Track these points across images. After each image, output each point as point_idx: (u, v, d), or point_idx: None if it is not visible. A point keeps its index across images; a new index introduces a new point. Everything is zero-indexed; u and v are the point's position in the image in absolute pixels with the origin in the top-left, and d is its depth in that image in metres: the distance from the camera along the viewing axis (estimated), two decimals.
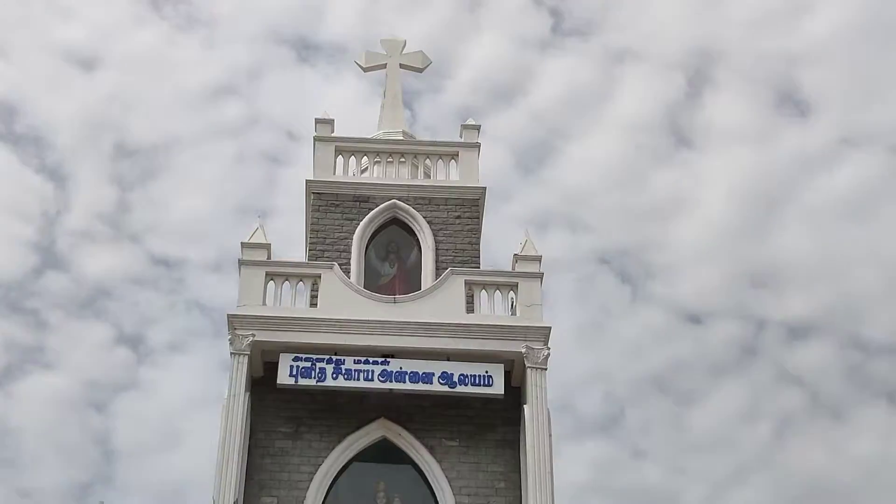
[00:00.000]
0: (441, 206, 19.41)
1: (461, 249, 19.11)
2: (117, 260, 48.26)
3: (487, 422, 17.06)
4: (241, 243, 17.46)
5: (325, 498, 16.31)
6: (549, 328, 16.81)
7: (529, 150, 49.24)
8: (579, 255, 46.77)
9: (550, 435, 16.26)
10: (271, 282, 17.16)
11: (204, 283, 50.29)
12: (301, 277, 17.38)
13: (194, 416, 44.71)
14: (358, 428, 16.96)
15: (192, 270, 53.51)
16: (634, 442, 45.36)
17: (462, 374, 16.58)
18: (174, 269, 51.70)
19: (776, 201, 48.77)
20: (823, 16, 48.54)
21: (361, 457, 16.87)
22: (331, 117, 19.81)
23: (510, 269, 17.74)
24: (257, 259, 17.30)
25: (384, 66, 21.60)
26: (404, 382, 16.52)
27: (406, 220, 19.45)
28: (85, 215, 48.27)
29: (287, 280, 17.29)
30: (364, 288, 17.90)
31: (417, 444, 16.81)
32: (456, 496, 16.30)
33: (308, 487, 16.31)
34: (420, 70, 21.92)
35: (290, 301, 17.19)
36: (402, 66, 21.58)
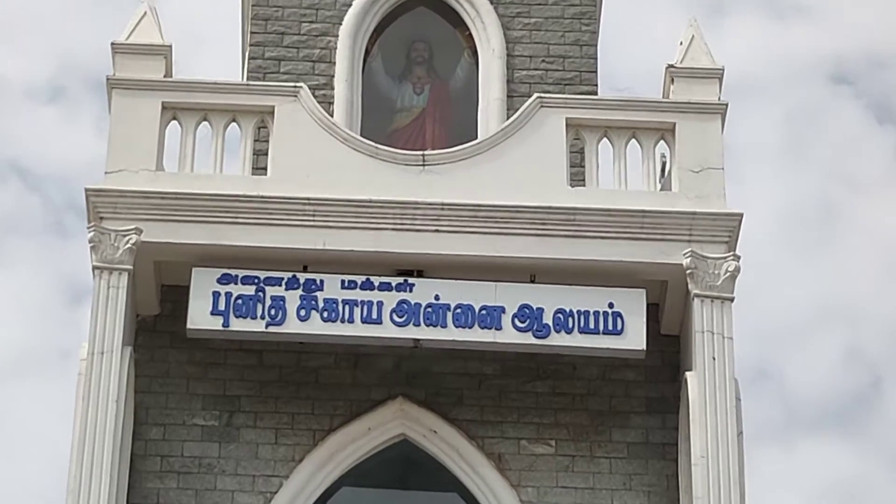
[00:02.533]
0: None
1: (559, 57, 16.72)
2: None
3: (613, 407, 14.56)
4: (113, 45, 14.88)
5: None
6: (741, 217, 14.22)
7: None
8: (791, 69, 42.07)
9: (741, 432, 13.63)
10: (174, 122, 14.67)
11: (29, 124, 45.35)
12: (235, 114, 14.82)
13: (10, 393, 40.69)
14: (353, 419, 14.35)
15: (6, 100, 47.55)
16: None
17: (562, 311, 13.85)
18: None
19: None
20: None
21: (360, 476, 14.32)
22: None
23: (661, 97, 15.13)
24: (145, 77, 14.70)
25: None
26: (444, 326, 13.82)
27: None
28: None
29: (206, 119, 14.75)
30: (362, 135, 15.27)
31: (470, 449, 14.15)
32: None
33: None
34: None
35: (212, 163, 14.66)
36: None
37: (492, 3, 16.72)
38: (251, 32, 17.10)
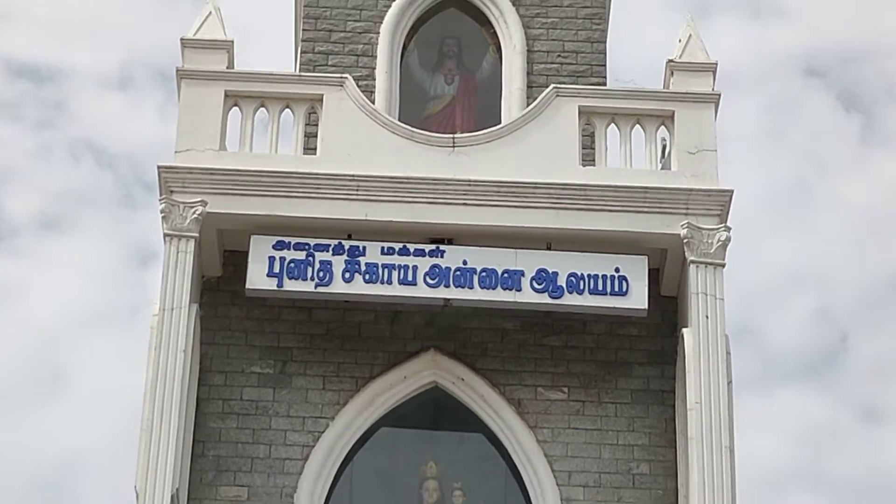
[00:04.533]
0: None
1: (573, 52, 17.59)
2: None
3: (618, 359, 15.46)
4: (182, 41, 15.69)
5: (333, 488, 14.84)
6: (731, 193, 15.05)
7: None
8: (770, 64, 43.81)
9: (730, 381, 14.43)
10: (235, 108, 15.47)
11: (100, 109, 45.97)
12: (288, 101, 15.63)
13: (87, 344, 41.46)
14: (390, 368, 15.23)
15: (80, 88, 48.09)
16: (866, 393, 42.77)
17: (573, 275, 14.69)
18: (46, 85, 46.94)
19: None
20: None
21: (396, 418, 15.33)
22: None
23: (662, 88, 15.94)
24: (211, 69, 15.52)
25: None
26: (471, 288, 14.68)
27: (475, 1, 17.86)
28: None
29: (263, 106, 15.58)
30: (400, 120, 16.12)
31: (493, 395, 15.11)
32: (562, 487, 14.62)
33: (302, 471, 14.66)
34: None
35: (268, 143, 15.49)
36: None
37: (513, 4, 17.35)
38: (303, 30, 17.65)
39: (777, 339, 42.18)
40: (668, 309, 15.12)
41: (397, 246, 14.49)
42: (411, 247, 14.44)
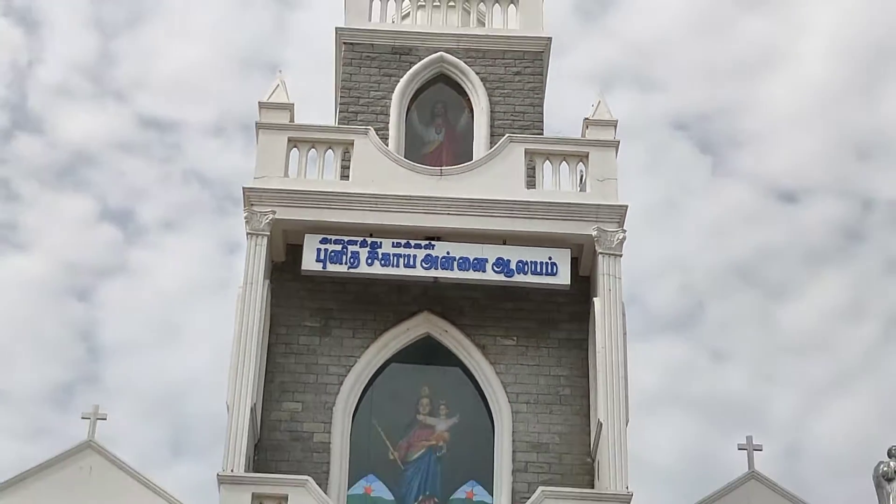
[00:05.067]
0: (497, 61, 18.36)
1: (521, 112, 18.01)
2: (100, 121, 44.64)
3: (550, 317, 16.06)
4: (259, 103, 16.33)
5: (359, 403, 15.36)
6: (626, 207, 15.66)
7: None
8: (651, 120, 43.74)
9: (625, 333, 15.11)
10: (294, 149, 16.07)
11: (204, 149, 46.26)
12: (330, 144, 16.27)
13: (195, 306, 42.05)
14: (397, 323, 15.90)
15: (190, 134, 48.76)
16: (715, 342, 43.13)
17: (521, 261, 15.42)
18: (168, 132, 47.14)
19: (889, 55, 46.15)
20: None
21: (401, 357, 15.86)
22: None
23: (579, 136, 16.62)
24: (278, 122, 16.20)
25: None
26: (452, 270, 15.41)
27: (455, 77, 18.25)
28: (61, 67, 44.88)
29: (313, 147, 16.24)
30: (405, 157, 16.80)
31: (467, 342, 15.74)
32: (512, 404, 15.31)
33: (338, 391, 15.30)
34: None
35: (316, 173, 16.23)
36: None
37: (482, 80, 17.81)
38: (340, 96, 18.22)
39: (655, 304, 42.01)
40: (584, 285, 15.65)
41: (402, 242, 15.11)
42: (412, 242, 15.08)
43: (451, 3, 18.76)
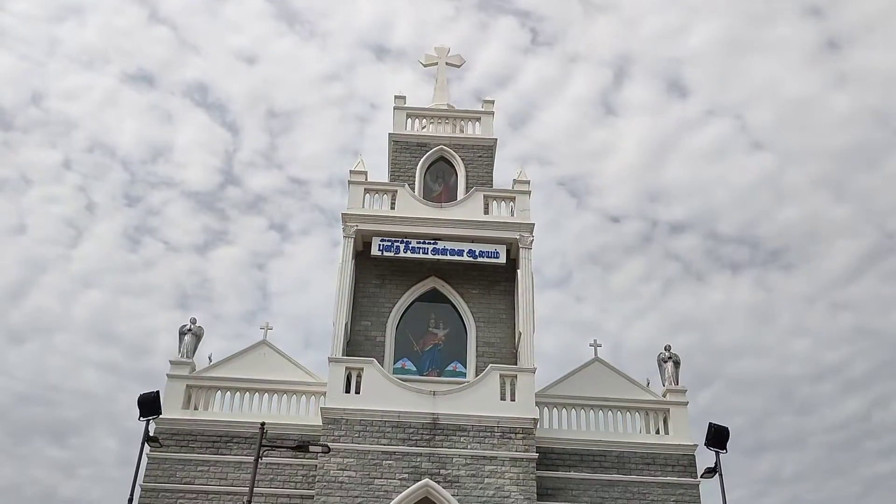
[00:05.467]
0: (470, 150, 20.72)
1: (481, 176, 20.49)
2: (269, 179, 55.40)
3: (496, 279, 18.71)
4: (350, 171, 18.88)
5: (399, 321, 18.12)
6: (533, 224, 18.46)
7: (516, 116, 54.37)
8: (546, 180, 52.15)
9: (533, 288, 17.89)
10: (367, 194, 18.80)
11: (322, 194, 56.53)
12: (386, 192, 18.92)
13: (316, 273, 51.46)
14: (418, 281, 18.69)
15: (314, 186, 57.83)
16: (577, 292, 51.97)
17: (481, 251, 18.26)
18: (303, 185, 57.66)
19: (666, 149, 53.75)
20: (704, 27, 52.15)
21: (420, 299, 18.74)
22: (403, 94, 21.18)
23: (511, 188, 19.16)
24: (360, 180, 18.85)
25: (436, 63, 22.86)
26: (446, 255, 18.22)
27: (449, 158, 20.82)
28: (249, 152, 55.16)
29: (377, 193, 18.88)
30: (423, 198, 19.36)
31: (454, 291, 18.71)
32: (476, 322, 18.19)
33: (389, 315, 18.23)
34: (458, 66, 23.01)
35: (379, 206, 18.78)
36: (447, 63, 22.88)
37: (462, 160, 19.82)
38: (392, 166, 19.98)
39: (548, 273, 49.09)
40: (512, 262, 18.18)
41: (421, 241, 17.86)
42: (426, 241, 17.89)
43: (447, 121, 20.64)
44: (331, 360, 16.28)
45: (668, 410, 17.36)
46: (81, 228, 50.57)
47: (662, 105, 54.74)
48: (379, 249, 18.07)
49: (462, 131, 20.83)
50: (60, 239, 49.09)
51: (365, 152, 49.84)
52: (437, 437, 15.68)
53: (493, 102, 21.23)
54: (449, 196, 19.93)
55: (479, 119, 20.93)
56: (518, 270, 18.04)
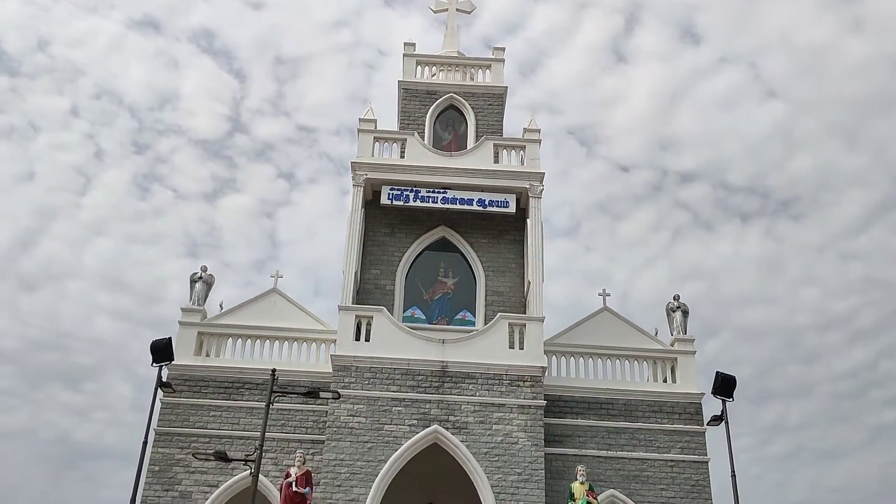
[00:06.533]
0: (480, 98, 20.47)
1: (491, 124, 20.29)
2: (277, 127, 55.67)
3: (505, 228, 18.72)
4: (359, 119, 18.77)
5: (409, 269, 18.20)
6: (543, 173, 18.44)
7: (526, 64, 54.44)
8: (556, 129, 52.25)
9: (542, 237, 17.94)
10: (377, 142, 18.72)
11: (330, 142, 57.26)
12: (395, 140, 18.84)
13: (325, 222, 52.33)
14: (428, 230, 18.74)
15: (323, 134, 58.59)
16: (586, 242, 52.65)
17: (491, 200, 18.22)
18: (311, 133, 58.24)
19: (677, 98, 53.63)
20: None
21: (430, 247, 18.78)
22: (413, 41, 21.00)
23: (521, 137, 19.12)
24: (369, 128, 18.74)
25: (446, 9, 22.70)
26: (456, 204, 18.21)
27: (458, 106, 20.60)
28: (257, 100, 55.48)
29: (387, 141, 18.80)
30: (433, 147, 19.28)
31: (463, 240, 18.70)
32: (485, 271, 18.25)
33: (399, 264, 18.30)
34: (469, 12, 22.75)
35: (388, 154, 18.73)
36: (458, 10, 22.71)
37: (472, 108, 19.73)
38: (401, 114, 20.08)
39: (557, 223, 49.78)
40: (522, 213, 18.19)
41: (431, 189, 17.83)
42: (436, 190, 17.85)
43: (457, 69, 20.52)
44: (341, 308, 16.41)
45: (676, 359, 17.50)
46: (90, 176, 51.15)
47: (674, 52, 54.29)
48: (388, 198, 18.04)
49: (472, 79, 20.69)
50: (70, 186, 49.48)
51: (373, 100, 49.88)
52: (445, 384, 15.80)
53: (503, 50, 21.04)
54: (459, 145, 19.84)
55: (489, 67, 20.77)
56: (527, 220, 18.02)
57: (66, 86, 51.47)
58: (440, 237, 18.70)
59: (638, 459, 16.52)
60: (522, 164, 18.52)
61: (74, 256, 48.01)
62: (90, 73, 52.22)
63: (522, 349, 16.16)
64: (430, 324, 17.53)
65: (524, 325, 16.33)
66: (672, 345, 17.79)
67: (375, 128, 18.86)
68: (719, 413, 14.63)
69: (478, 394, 15.75)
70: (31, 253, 46.98)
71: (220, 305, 17.95)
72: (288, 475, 14.11)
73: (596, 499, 13.95)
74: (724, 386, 14.59)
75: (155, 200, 51.85)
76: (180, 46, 55.19)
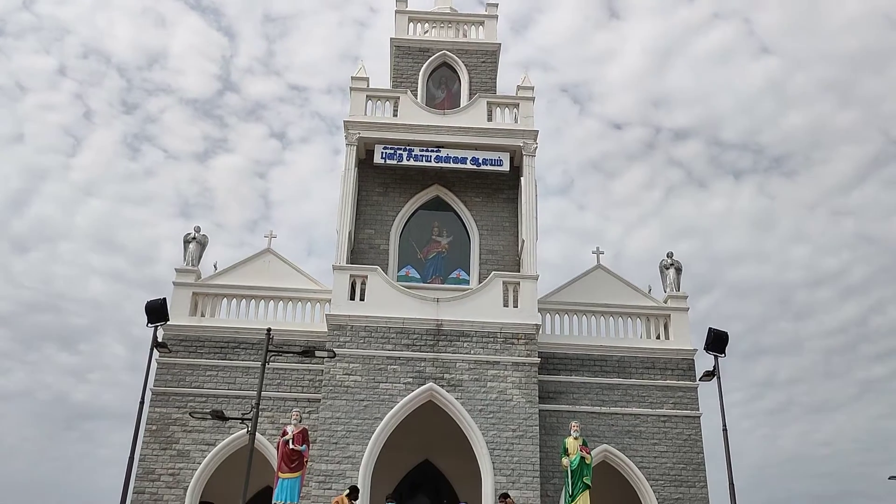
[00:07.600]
0: (473, 55, 20.42)
1: (485, 82, 20.28)
2: (268, 86, 55.84)
3: (498, 186, 18.77)
4: (351, 77, 18.68)
5: (403, 229, 18.29)
6: (537, 131, 18.42)
7: (518, 20, 54.09)
8: (549, 86, 52.36)
9: (536, 195, 17.99)
10: (369, 101, 18.67)
11: (321, 101, 57.51)
12: (388, 98, 18.80)
13: (318, 181, 53.03)
14: (422, 189, 18.75)
15: (314, 93, 58.93)
16: (579, 200, 53.46)
17: (484, 158, 18.22)
18: (303, 92, 58.51)
19: (670, 54, 53.58)
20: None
21: (424, 207, 18.81)
22: None
23: (514, 95, 19.00)
24: (361, 86, 18.69)
25: None
26: (450, 163, 18.18)
27: (452, 64, 20.50)
28: (247, 58, 55.37)
29: (380, 100, 18.75)
30: (426, 105, 19.21)
31: (457, 199, 18.73)
32: (479, 230, 18.32)
33: (392, 223, 18.35)
34: None
35: (381, 113, 18.68)
36: None
37: (465, 66, 19.67)
38: (393, 72, 19.87)
39: (550, 181, 50.16)
40: (516, 170, 18.25)
41: (424, 148, 17.79)
42: (430, 149, 17.83)
43: (449, 25, 20.34)
44: (335, 267, 16.44)
45: (669, 316, 17.66)
46: (80, 137, 51.46)
47: (668, 7, 54.10)
48: (382, 157, 17.99)
49: (465, 36, 20.53)
50: (60, 147, 49.90)
51: (365, 58, 49.55)
52: (440, 342, 15.90)
53: (496, 6, 20.85)
54: (452, 103, 19.77)
55: (482, 23, 20.63)
56: (521, 178, 17.98)
57: (52, 45, 51.57)
58: (434, 196, 18.69)
59: (631, 415, 16.72)
60: (516, 122, 18.44)
61: (66, 217, 48.45)
62: (77, 31, 52.37)
63: (517, 307, 16.26)
64: (424, 283, 17.61)
65: (518, 284, 16.39)
66: (665, 302, 17.92)
67: (368, 86, 18.77)
68: (711, 369, 14.74)
69: (472, 352, 15.87)
70: (22, 214, 47.40)
71: (215, 266, 17.97)
72: (284, 433, 14.20)
73: (589, 454, 13.99)
74: (717, 342, 14.70)
75: (146, 161, 51.77)
76: (167, 3, 54.96)
